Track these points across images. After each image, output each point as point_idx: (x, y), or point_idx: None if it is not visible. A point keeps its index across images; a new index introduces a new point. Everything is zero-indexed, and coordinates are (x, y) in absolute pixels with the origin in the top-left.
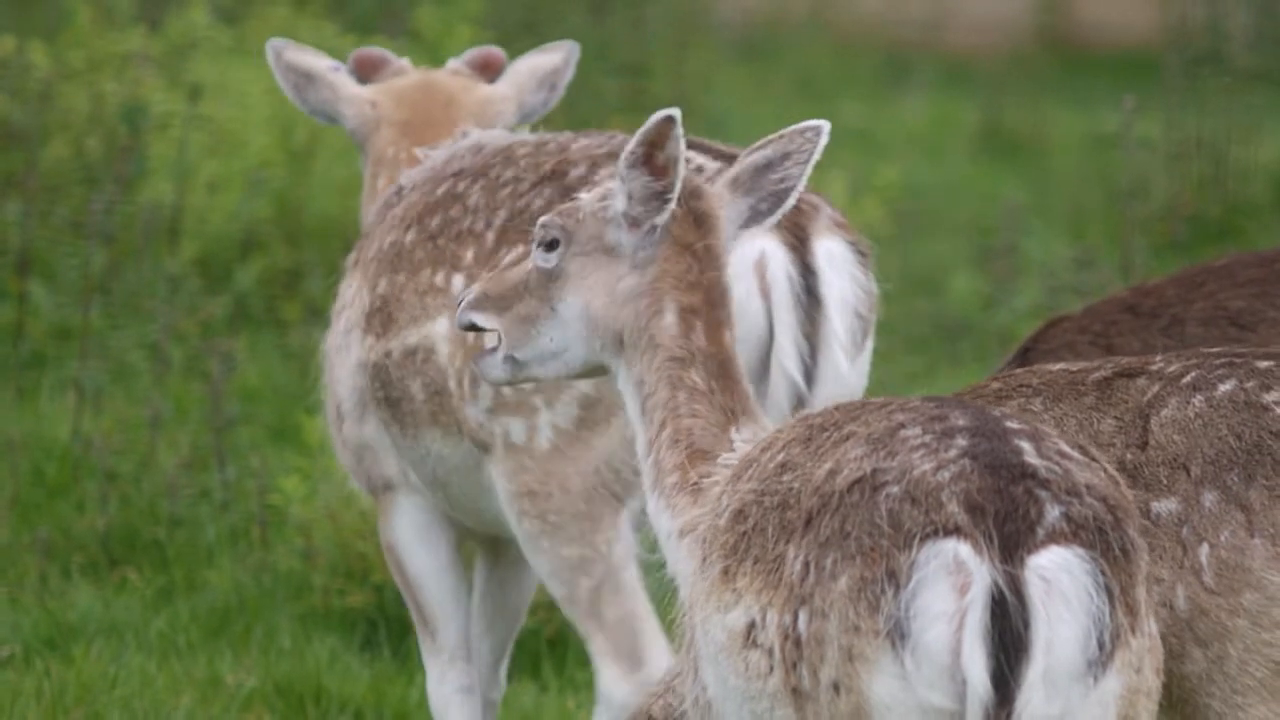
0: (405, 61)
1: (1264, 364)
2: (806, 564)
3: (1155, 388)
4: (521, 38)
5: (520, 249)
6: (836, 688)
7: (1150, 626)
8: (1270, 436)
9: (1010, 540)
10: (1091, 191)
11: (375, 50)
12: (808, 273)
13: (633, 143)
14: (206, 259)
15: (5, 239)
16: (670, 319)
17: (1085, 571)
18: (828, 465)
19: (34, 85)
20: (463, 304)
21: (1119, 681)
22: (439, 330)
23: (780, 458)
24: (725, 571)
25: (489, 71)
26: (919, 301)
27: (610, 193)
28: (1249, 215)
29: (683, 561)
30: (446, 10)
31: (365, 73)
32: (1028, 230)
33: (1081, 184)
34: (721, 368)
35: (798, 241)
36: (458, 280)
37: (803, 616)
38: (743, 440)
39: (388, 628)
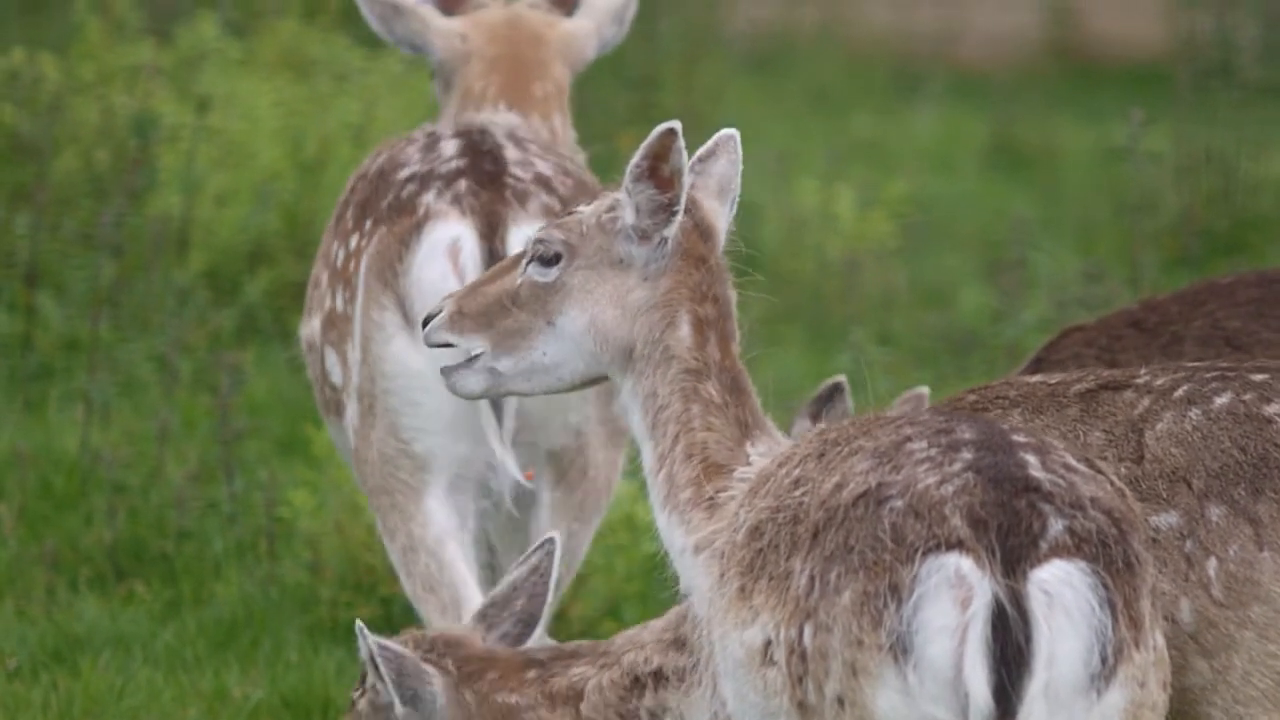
0: None
1: (1258, 377)
2: (812, 578)
3: (1146, 401)
4: None
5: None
6: (841, 702)
7: (1155, 640)
8: (1275, 449)
9: (1013, 554)
10: (1101, 205)
11: None
12: (493, 256)
13: (637, 156)
14: (215, 271)
15: (14, 251)
16: (685, 331)
17: (1088, 585)
18: (835, 479)
19: (44, 97)
20: (434, 323)
21: (1123, 695)
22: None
23: (796, 473)
24: (742, 589)
25: (564, 5)
26: (927, 314)
27: (617, 204)
28: (1258, 229)
29: (699, 577)
30: None
31: (448, 5)
32: (1037, 244)
33: (1091, 198)
34: (734, 381)
35: (489, 229)
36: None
37: (808, 630)
38: (758, 454)
39: None
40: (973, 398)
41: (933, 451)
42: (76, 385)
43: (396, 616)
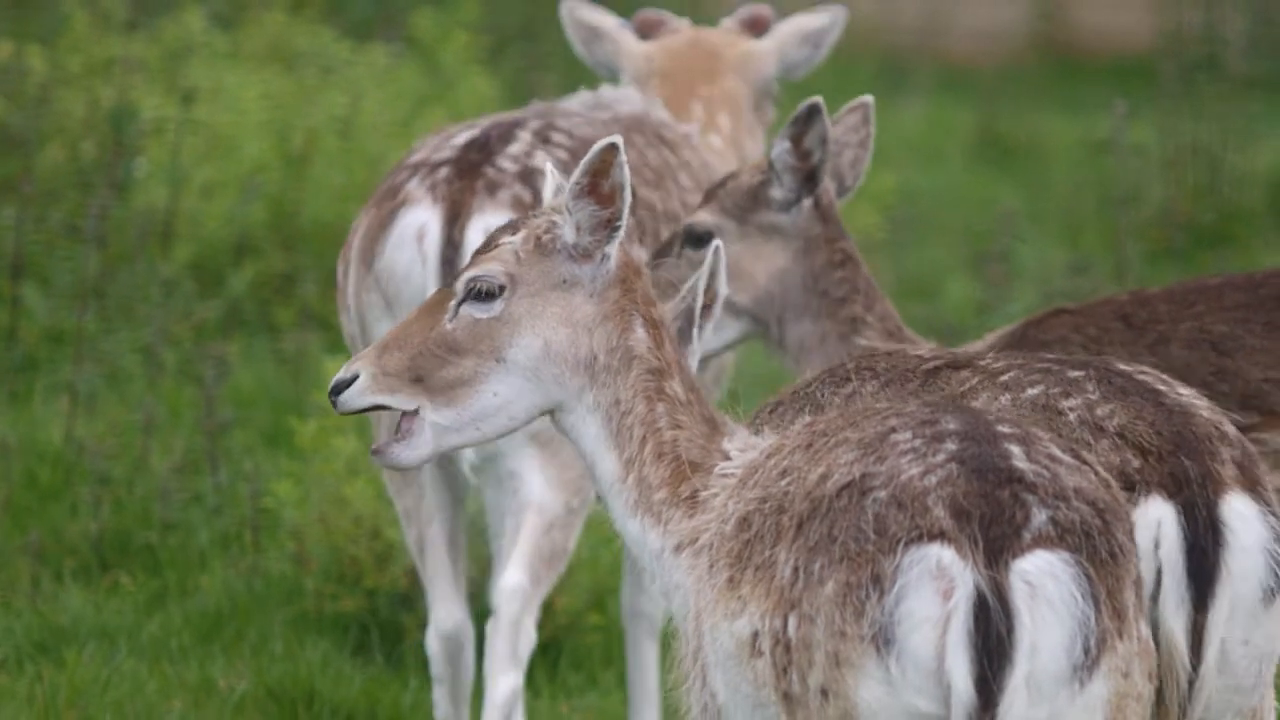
0: (684, 21)
1: (1074, 374)
2: (796, 569)
3: (974, 380)
4: (517, 44)
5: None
6: (824, 693)
7: (1139, 630)
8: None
9: (995, 544)
10: (1087, 198)
11: (656, 12)
12: (452, 245)
13: (577, 174)
14: (200, 263)
15: (0, 243)
16: (641, 333)
17: (1070, 576)
18: (820, 470)
19: (30, 89)
20: (352, 389)
21: (1106, 686)
22: None
23: (783, 464)
24: (731, 580)
25: (756, 29)
26: (913, 306)
27: (554, 225)
28: (1244, 222)
29: (680, 575)
30: (443, 15)
31: (646, 31)
32: (1023, 236)
33: (1077, 190)
34: (690, 378)
35: (453, 217)
36: None
37: (792, 621)
38: (737, 449)
39: (380, 632)
40: (851, 365)
41: (917, 442)
42: (62, 377)
43: (381, 608)
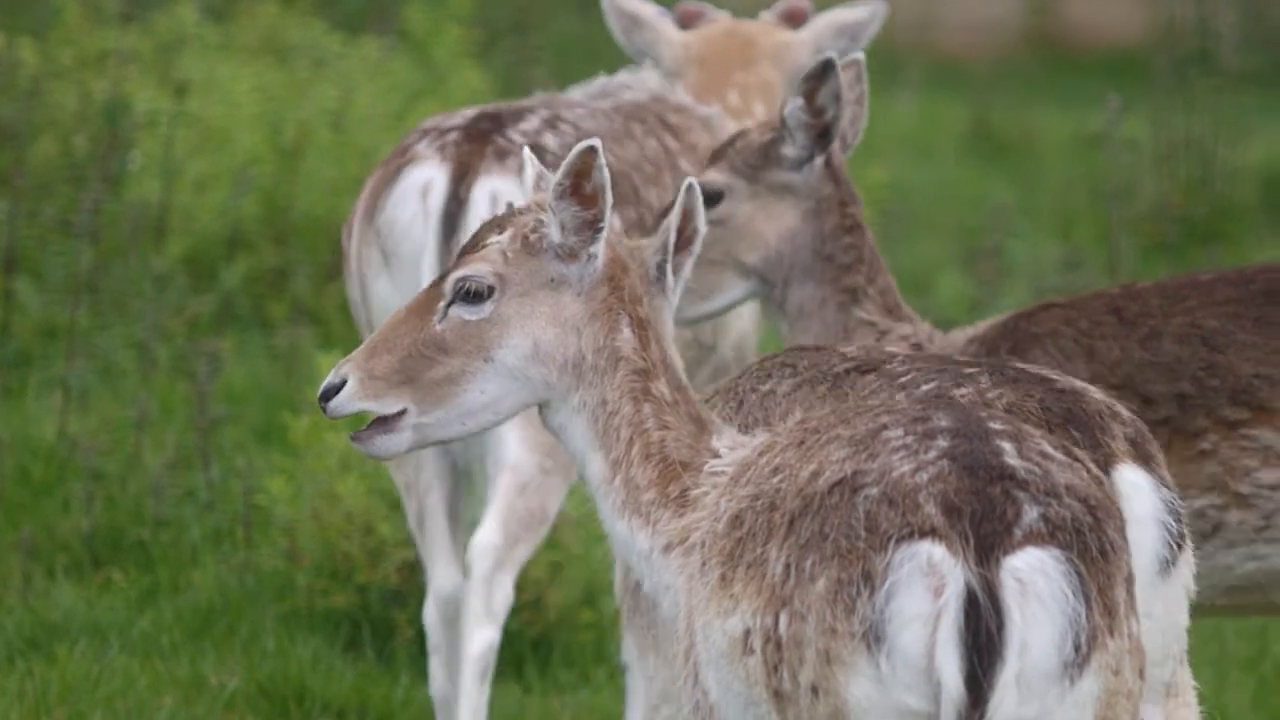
0: (724, 13)
1: (970, 370)
2: (787, 566)
3: (876, 383)
4: (509, 38)
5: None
6: (815, 690)
7: (1130, 628)
8: None
9: (986, 541)
10: (1079, 192)
11: (696, 4)
12: (457, 201)
13: (559, 175)
14: (193, 258)
15: None
16: (627, 333)
17: (1061, 573)
18: (812, 467)
19: (22, 82)
20: (341, 395)
21: (1096, 683)
22: None
23: (775, 461)
24: (723, 578)
25: (794, 21)
26: (906, 302)
27: (540, 224)
28: (1236, 216)
29: (670, 575)
30: (435, 9)
31: (686, 22)
32: (1015, 231)
33: (1069, 185)
34: (678, 379)
35: (460, 175)
36: None
37: (783, 618)
38: (726, 447)
39: (371, 628)
40: (777, 359)
41: (908, 439)
42: (54, 372)
43: (373, 605)
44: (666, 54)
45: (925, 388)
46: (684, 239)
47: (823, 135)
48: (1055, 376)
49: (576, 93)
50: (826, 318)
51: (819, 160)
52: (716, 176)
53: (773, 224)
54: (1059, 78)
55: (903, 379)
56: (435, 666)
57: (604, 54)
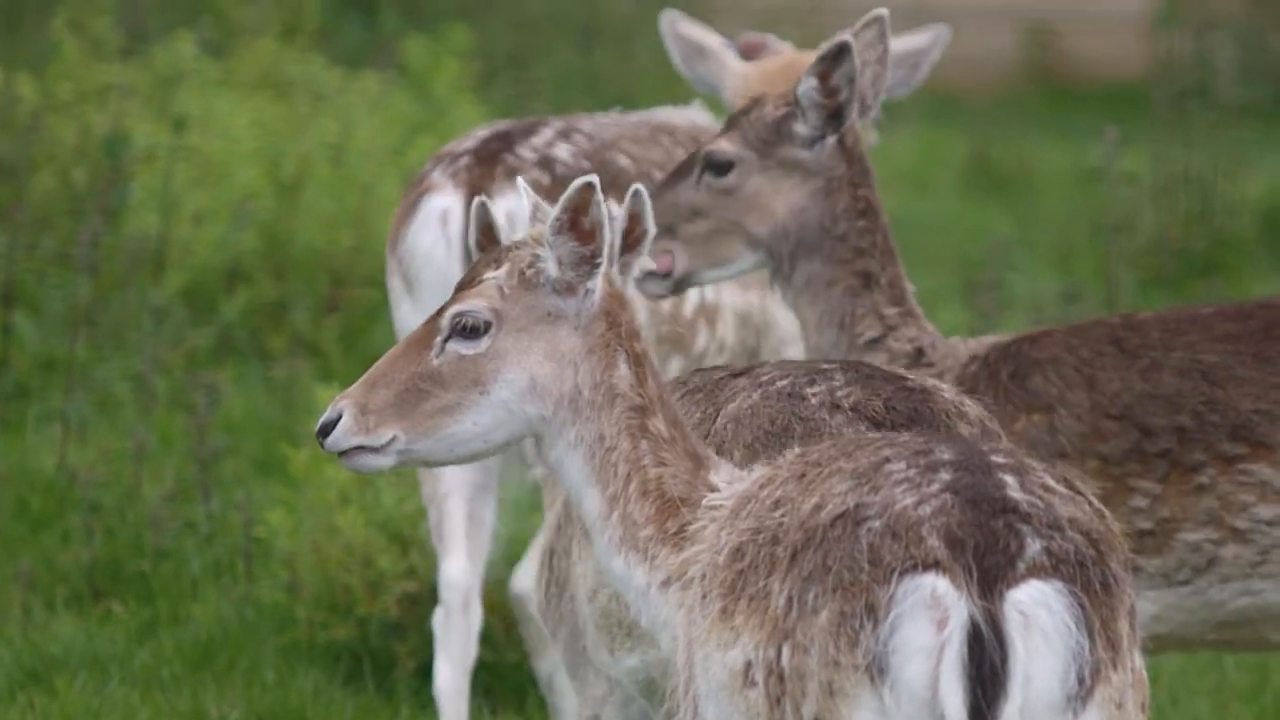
0: (786, 45)
1: (826, 367)
2: (790, 598)
3: (742, 384)
4: (509, 72)
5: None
6: None
7: (1134, 661)
8: (797, 420)
9: (990, 574)
10: (1078, 226)
11: (758, 36)
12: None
13: (557, 210)
14: (192, 291)
15: None
16: (624, 369)
17: (1064, 606)
18: (814, 500)
19: (21, 117)
20: (337, 431)
21: (1099, 716)
22: None
23: (777, 494)
24: (724, 610)
25: (750, 54)
26: None
27: (536, 259)
28: (1235, 250)
29: (669, 610)
30: (434, 43)
31: (748, 54)
32: (1014, 264)
33: (1068, 218)
34: (674, 414)
35: (473, 199)
36: None
37: (786, 651)
38: (725, 481)
39: (372, 661)
40: (686, 375)
41: (911, 472)
42: (53, 405)
43: (373, 637)
44: (729, 84)
45: (780, 384)
46: (632, 240)
47: (835, 116)
48: (908, 376)
49: (610, 116)
50: (833, 300)
51: (831, 139)
52: (728, 146)
53: (781, 199)
54: (1058, 111)
55: (763, 379)
56: (441, 664)
57: (603, 87)
